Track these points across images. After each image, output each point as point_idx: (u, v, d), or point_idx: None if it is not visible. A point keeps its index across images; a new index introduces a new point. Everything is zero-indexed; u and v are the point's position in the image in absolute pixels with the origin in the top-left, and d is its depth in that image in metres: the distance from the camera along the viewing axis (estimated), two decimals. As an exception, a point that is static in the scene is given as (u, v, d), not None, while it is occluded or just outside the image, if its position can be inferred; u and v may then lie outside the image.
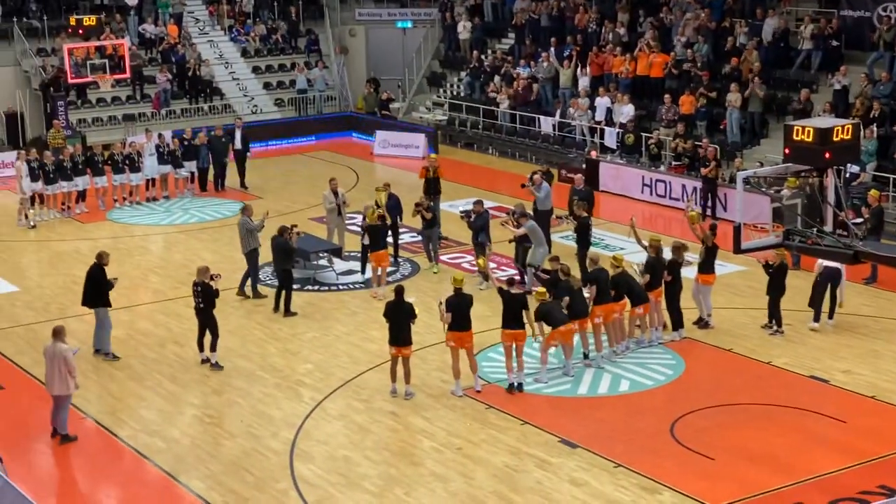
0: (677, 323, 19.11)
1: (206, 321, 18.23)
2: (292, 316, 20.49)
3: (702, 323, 19.51)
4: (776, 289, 19.13)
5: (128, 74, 35.60)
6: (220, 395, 17.47)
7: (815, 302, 19.38)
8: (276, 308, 20.69)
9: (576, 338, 17.94)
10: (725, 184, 26.62)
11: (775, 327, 19.24)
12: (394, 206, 23.32)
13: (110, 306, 18.83)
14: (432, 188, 25.33)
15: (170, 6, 40.31)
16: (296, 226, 21.31)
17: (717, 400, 16.84)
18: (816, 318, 19.42)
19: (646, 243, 19.07)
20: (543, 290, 17.64)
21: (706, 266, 19.36)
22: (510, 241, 21.97)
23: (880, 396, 16.84)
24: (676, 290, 18.96)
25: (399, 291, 17.15)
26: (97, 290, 18.67)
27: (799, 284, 20.60)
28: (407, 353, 16.94)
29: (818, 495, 13.96)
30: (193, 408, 17.08)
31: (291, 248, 20.66)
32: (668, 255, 19.17)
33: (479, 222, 21.98)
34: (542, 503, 14.03)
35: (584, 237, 21.89)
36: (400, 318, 16.90)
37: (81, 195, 28.44)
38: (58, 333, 15.73)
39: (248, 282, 21.58)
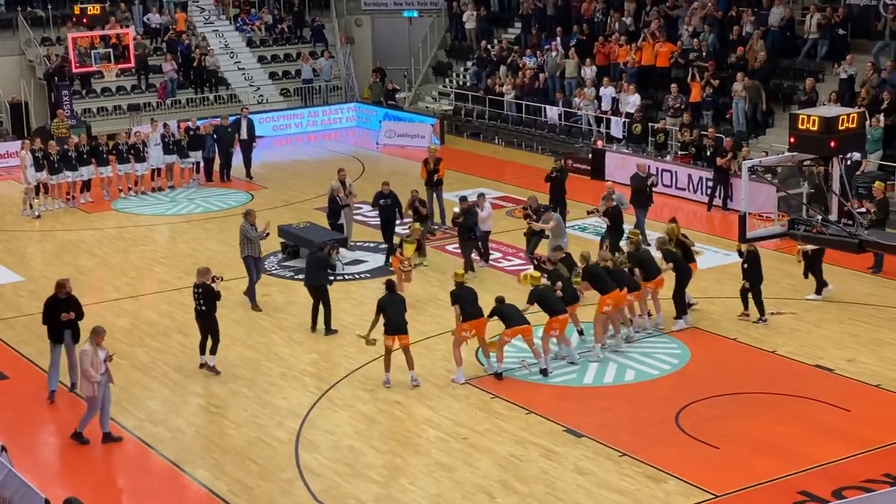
0: (680, 311, 19.15)
1: (208, 325, 17.77)
2: (333, 334, 19.23)
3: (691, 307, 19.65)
4: (754, 277, 19.17)
5: (132, 64, 35.58)
6: (225, 384, 17.48)
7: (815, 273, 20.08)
8: (314, 328, 19.37)
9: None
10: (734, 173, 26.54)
11: (759, 315, 19.29)
12: (392, 203, 23.14)
13: (60, 343, 16.83)
14: (433, 180, 25.29)
15: (174, -5, 40.37)
16: (336, 246, 20.84)
17: (722, 389, 16.83)
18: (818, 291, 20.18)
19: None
20: (538, 274, 17.93)
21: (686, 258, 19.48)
22: (525, 234, 21.98)
23: (885, 385, 16.83)
24: (680, 280, 19.01)
25: (390, 286, 17.26)
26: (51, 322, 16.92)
27: (802, 273, 20.61)
28: (406, 342, 17.00)
29: (823, 483, 13.95)
30: (198, 397, 17.10)
31: (331, 264, 19.65)
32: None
33: (469, 221, 21.88)
34: (547, 492, 14.03)
35: (616, 225, 21.88)
36: (396, 308, 16.99)
37: (86, 185, 28.47)
38: (91, 333, 15.34)
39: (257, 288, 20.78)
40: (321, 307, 19.27)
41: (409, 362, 17.10)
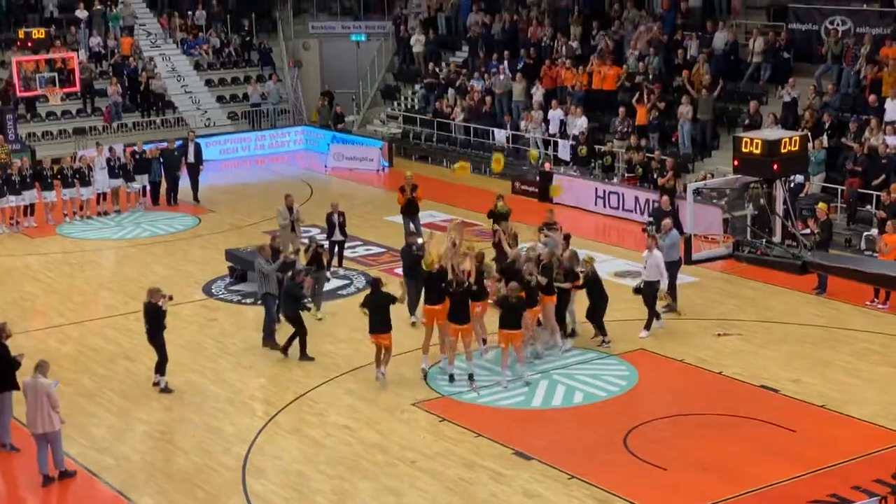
0: (564, 331, 19.38)
1: (155, 345, 17.71)
2: (309, 360, 18.78)
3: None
4: (592, 301, 19.33)
5: (77, 88, 35.29)
6: (171, 410, 17.31)
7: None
8: (285, 351, 18.97)
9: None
10: (680, 195, 26.74)
11: (602, 339, 19.37)
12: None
13: (17, 389, 15.65)
14: (411, 208, 25.07)
15: (120, 19, 40.10)
16: (310, 269, 20.41)
17: (670, 410, 16.93)
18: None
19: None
20: (468, 164, 18.36)
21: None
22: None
23: (830, 405, 16.99)
24: (562, 301, 19.20)
25: (375, 283, 17.48)
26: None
27: (748, 294, 20.81)
28: (385, 341, 17.33)
29: (769, 504, 14.07)
30: (144, 424, 16.90)
31: (300, 294, 18.89)
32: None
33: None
34: (496, 516, 14.03)
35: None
36: (378, 307, 17.28)
37: (30, 209, 28.15)
38: (39, 367, 14.92)
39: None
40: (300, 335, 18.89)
41: (386, 360, 17.57)
